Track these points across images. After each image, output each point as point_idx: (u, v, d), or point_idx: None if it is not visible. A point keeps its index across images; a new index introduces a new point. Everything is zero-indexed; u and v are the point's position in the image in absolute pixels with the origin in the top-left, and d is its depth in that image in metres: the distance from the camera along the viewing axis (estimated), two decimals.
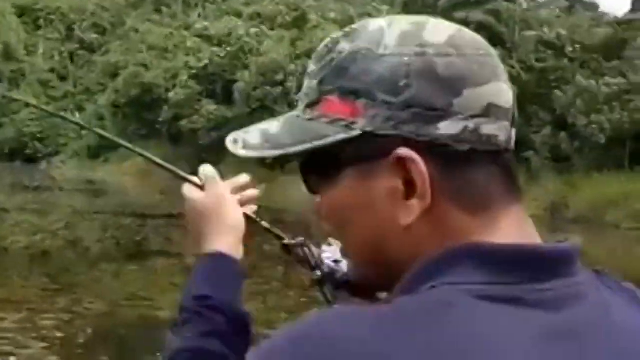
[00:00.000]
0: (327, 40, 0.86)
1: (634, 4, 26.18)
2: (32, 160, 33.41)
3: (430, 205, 0.79)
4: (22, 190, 21.17)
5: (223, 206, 1.22)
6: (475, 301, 0.72)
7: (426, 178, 0.78)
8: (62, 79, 39.96)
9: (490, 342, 0.70)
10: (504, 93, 0.82)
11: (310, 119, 0.84)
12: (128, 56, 34.54)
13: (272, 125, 0.88)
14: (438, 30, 0.81)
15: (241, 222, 1.22)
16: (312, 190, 0.89)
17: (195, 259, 1.19)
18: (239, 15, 33.73)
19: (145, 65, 32.60)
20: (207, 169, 1.23)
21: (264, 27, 31.67)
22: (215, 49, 31.08)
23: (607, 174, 20.07)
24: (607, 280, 0.83)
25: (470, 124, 0.79)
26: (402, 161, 0.79)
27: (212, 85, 30.85)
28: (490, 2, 23.53)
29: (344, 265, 1.12)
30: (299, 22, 31.60)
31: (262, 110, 27.68)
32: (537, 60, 23.15)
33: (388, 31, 0.81)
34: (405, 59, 0.79)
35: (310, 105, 0.84)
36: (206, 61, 30.79)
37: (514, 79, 22.26)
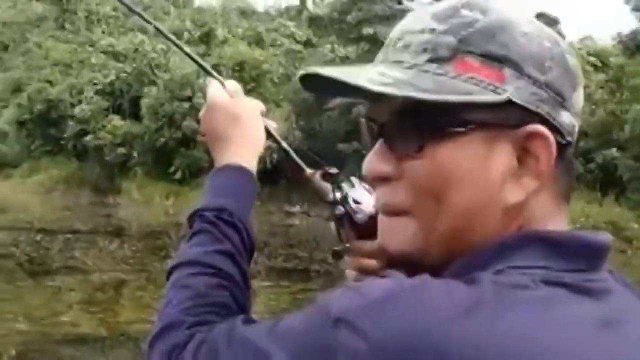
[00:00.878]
0: (443, 4, 0.84)
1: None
2: None
3: (540, 188, 0.80)
4: None
5: (252, 118, 1.19)
6: (543, 285, 0.74)
7: (552, 159, 0.79)
8: None
9: (559, 324, 0.72)
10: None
11: (444, 74, 0.80)
12: (32, 72, 33.55)
13: (388, 71, 0.81)
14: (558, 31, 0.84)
15: (263, 138, 1.20)
16: (415, 151, 0.81)
17: (216, 164, 1.17)
18: (144, 31, 33.22)
19: (49, 82, 31.73)
20: (233, 83, 1.22)
21: (170, 43, 31.21)
22: (121, 64, 30.52)
23: None
24: (619, 278, 0.84)
25: (575, 120, 0.83)
26: (531, 137, 0.79)
27: (119, 100, 30.26)
28: (398, 18, 23.84)
29: (365, 207, 1.11)
30: (206, 38, 31.38)
31: (170, 126, 27.35)
32: None
33: (520, 16, 0.82)
34: (547, 43, 0.81)
35: (437, 60, 0.80)
36: (112, 77, 30.20)
37: None
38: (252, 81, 28.36)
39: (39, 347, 6.79)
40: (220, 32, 31.41)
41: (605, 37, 27.42)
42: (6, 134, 33.48)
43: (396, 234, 0.84)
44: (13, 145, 32.01)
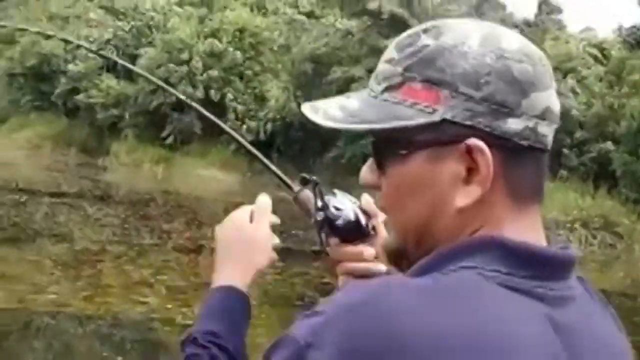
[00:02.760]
0: (409, 32, 0.96)
1: (540, 5, 26.32)
2: None
3: (485, 193, 0.90)
4: None
5: (263, 242, 1.33)
6: (497, 287, 0.86)
7: (491, 167, 0.89)
8: None
9: (510, 323, 0.84)
10: (555, 99, 0.94)
11: (391, 101, 0.93)
12: (27, 24, 32.49)
13: (349, 102, 0.98)
14: (512, 39, 0.93)
15: (267, 260, 1.32)
16: (379, 167, 0.97)
17: (214, 284, 1.28)
18: None
19: (44, 35, 30.76)
20: (263, 199, 1.34)
21: (171, 3, 30.35)
22: (119, 22, 29.55)
23: None
24: (587, 286, 0.96)
25: (531, 123, 0.91)
26: (470, 150, 0.89)
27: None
28: None
29: (345, 213, 1.20)
30: (208, 1, 30.40)
31: (164, 89, 26.38)
32: None
33: (471, 33, 0.92)
34: (488, 59, 0.90)
35: (390, 89, 0.94)
36: (109, 35, 29.24)
37: None
38: (251, 49, 27.51)
39: (18, 325, 6.42)
40: None
41: (609, 30, 26.81)
42: None
43: (388, 232, 1.09)
44: (3, 97, 31.15)
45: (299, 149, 22.91)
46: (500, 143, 0.89)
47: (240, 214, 1.33)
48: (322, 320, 0.82)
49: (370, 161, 1.00)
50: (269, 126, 24.36)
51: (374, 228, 1.21)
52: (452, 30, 0.92)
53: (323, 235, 1.21)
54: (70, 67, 28.76)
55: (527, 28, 23.75)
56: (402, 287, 0.85)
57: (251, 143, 1.26)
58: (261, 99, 25.70)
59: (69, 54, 29.38)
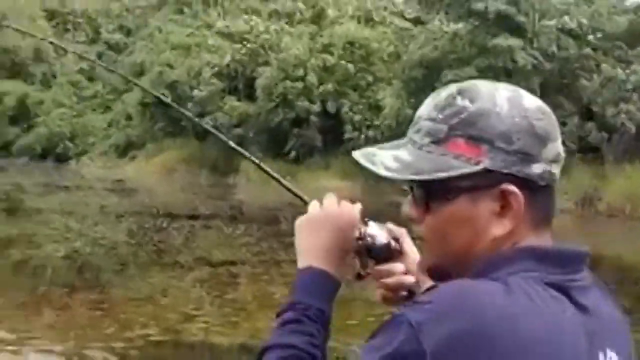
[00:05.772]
0: (444, 94, 1.14)
1: None
2: (62, 159, 32.78)
3: (516, 223, 1.10)
4: (54, 190, 20.64)
5: (343, 227, 1.36)
6: (539, 285, 1.05)
7: (522, 205, 1.09)
8: (90, 79, 39.20)
9: (557, 314, 1.04)
10: (560, 145, 1.14)
11: (437, 153, 1.11)
12: (152, 56, 33.76)
13: (401, 154, 1.15)
14: (530, 99, 1.12)
15: (349, 245, 1.37)
16: (426, 206, 1.14)
17: (306, 266, 1.33)
18: (257, 13, 32.79)
19: (169, 65, 31.77)
20: (330, 195, 1.41)
21: (283, 24, 30.73)
22: (236, 46, 30.18)
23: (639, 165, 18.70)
24: (593, 276, 1.14)
25: (548, 167, 1.11)
26: (505, 192, 1.09)
27: (234, 82, 30.00)
28: None
29: (378, 240, 1.38)
30: (317, 18, 30.61)
31: (284, 105, 26.86)
32: (558, 49, 21.83)
33: (497, 95, 1.11)
34: (516, 119, 1.09)
35: (435, 143, 1.12)
36: (228, 58, 29.91)
37: (536, 69, 21.33)
38: (362, 60, 27.48)
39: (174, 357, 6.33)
40: (331, 12, 30.55)
41: None
42: (131, 116, 33.86)
43: (425, 255, 1.22)
44: (137, 127, 32.38)
45: None
46: (526, 184, 1.10)
47: (329, 200, 1.38)
48: (431, 307, 1.00)
49: (410, 198, 1.18)
50: (386, 134, 24.20)
51: (400, 248, 1.40)
52: (483, 94, 1.11)
53: (362, 260, 1.39)
54: (196, 92, 29.57)
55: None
56: (487, 288, 1.03)
57: None
58: (376, 108, 25.61)
59: (193, 80, 30.27)
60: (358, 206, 1.39)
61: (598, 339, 1.07)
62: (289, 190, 1.53)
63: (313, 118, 26.51)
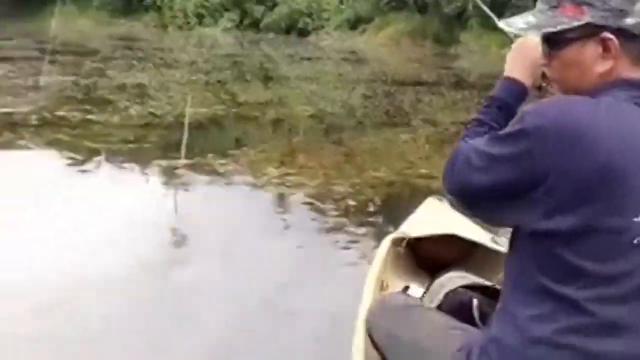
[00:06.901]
0: None
1: None
2: (303, 33, 33.70)
3: (615, 62, 1.44)
4: (298, 60, 21.30)
5: (532, 55, 1.74)
6: (628, 105, 1.39)
7: (618, 48, 1.43)
8: None
9: (630, 119, 1.36)
10: None
11: (553, 14, 1.49)
12: None
13: (529, 18, 1.55)
14: None
15: (536, 66, 1.74)
16: (550, 52, 1.52)
17: (509, 76, 1.75)
18: None
19: None
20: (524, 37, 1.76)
21: None
22: None
23: None
24: None
25: (638, 20, 1.42)
26: (604, 39, 1.43)
27: None
28: None
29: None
30: None
31: None
32: None
33: None
34: None
35: (551, 8, 1.51)
36: None
37: None
38: None
39: (400, 194, 6.71)
40: None
41: None
42: None
43: (556, 88, 1.58)
44: (365, 2, 32.47)
45: None
46: (621, 33, 1.43)
47: (522, 38, 1.73)
48: (540, 105, 1.37)
49: (542, 47, 1.59)
50: None
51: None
52: None
53: (543, 75, 1.75)
54: None
55: None
56: (580, 99, 1.42)
57: None
58: None
59: None
60: (538, 40, 1.67)
61: None
62: (506, 35, 1.85)
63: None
